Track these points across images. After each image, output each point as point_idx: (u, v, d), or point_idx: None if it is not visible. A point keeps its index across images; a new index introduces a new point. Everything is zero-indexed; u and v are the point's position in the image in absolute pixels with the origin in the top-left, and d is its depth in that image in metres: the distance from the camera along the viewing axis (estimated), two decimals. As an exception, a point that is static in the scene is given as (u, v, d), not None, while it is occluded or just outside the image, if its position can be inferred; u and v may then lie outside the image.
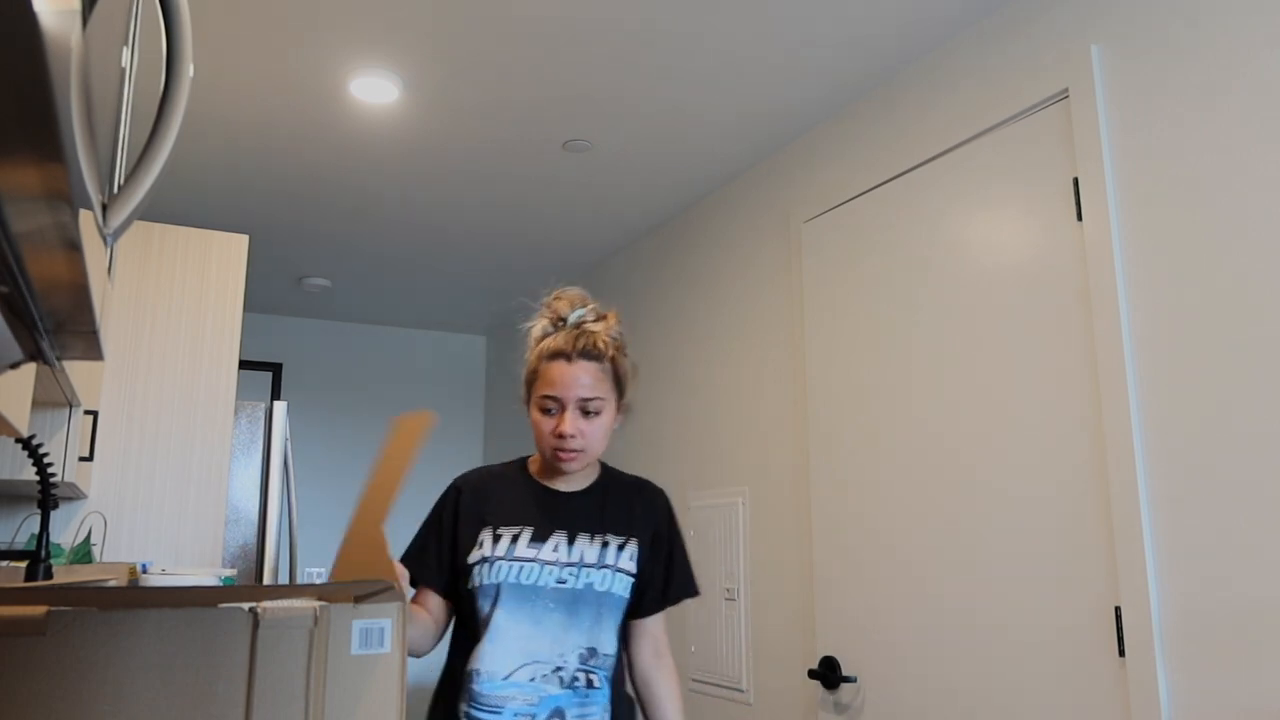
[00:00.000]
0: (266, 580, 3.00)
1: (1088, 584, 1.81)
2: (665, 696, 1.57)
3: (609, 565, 1.50)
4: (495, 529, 1.49)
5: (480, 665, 1.42)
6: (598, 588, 1.47)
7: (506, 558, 1.45)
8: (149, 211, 3.43)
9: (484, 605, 1.44)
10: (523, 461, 1.60)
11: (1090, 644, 1.79)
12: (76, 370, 2.35)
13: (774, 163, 2.93)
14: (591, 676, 1.46)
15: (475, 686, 1.42)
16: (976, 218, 2.17)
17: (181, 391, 2.82)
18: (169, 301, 2.87)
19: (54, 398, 2.37)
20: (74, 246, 0.54)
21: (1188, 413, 1.67)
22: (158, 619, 0.88)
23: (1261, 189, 1.58)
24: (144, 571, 2.46)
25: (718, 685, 2.92)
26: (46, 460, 1.92)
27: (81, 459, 2.61)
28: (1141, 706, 1.67)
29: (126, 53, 0.70)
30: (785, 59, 2.39)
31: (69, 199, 0.47)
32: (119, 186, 0.67)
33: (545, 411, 1.48)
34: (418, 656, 1.47)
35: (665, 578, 1.58)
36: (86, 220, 0.55)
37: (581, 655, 1.45)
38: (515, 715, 1.41)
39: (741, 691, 2.80)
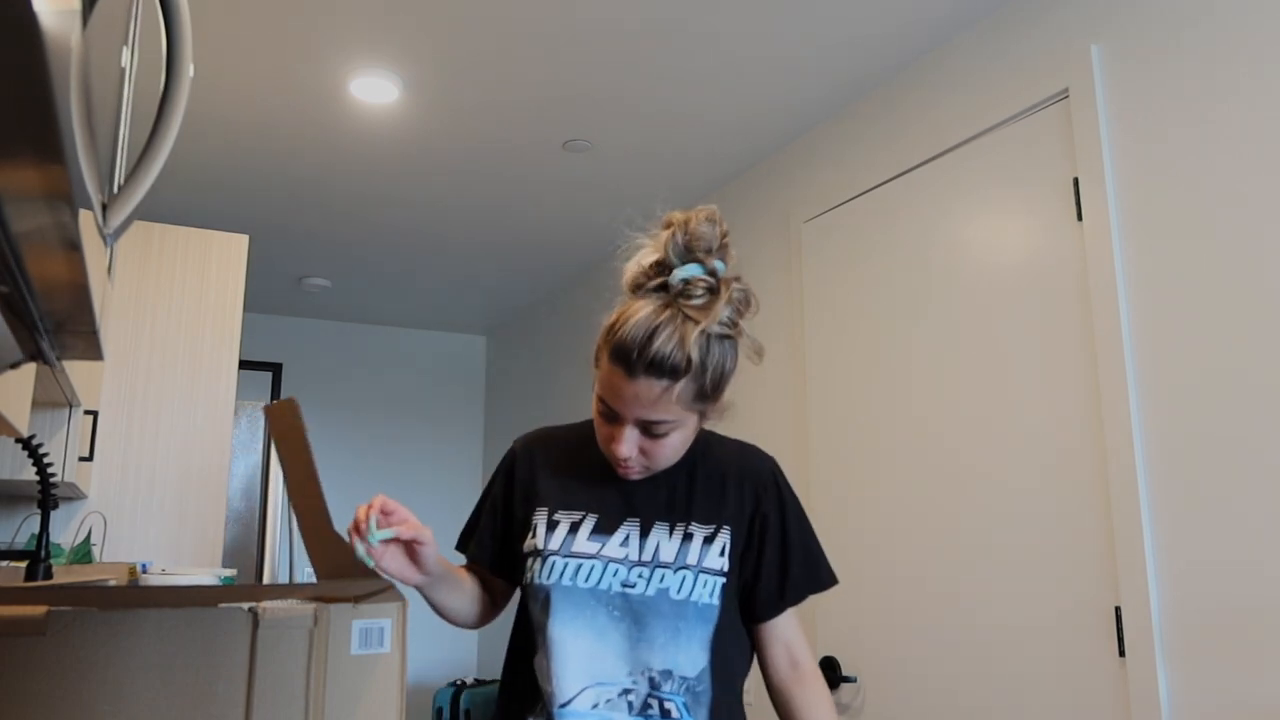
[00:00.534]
0: (266, 580, 3.00)
1: (1088, 584, 1.81)
2: (808, 717, 1.21)
3: (689, 565, 1.18)
4: (551, 513, 1.22)
5: (542, 684, 1.17)
6: (674, 595, 1.16)
7: (562, 553, 1.18)
8: (149, 211, 3.43)
9: (535, 610, 1.19)
10: (587, 428, 1.32)
11: (1090, 644, 1.79)
12: (76, 370, 2.35)
13: (774, 163, 2.93)
14: (668, 706, 1.15)
15: (548, 708, 1.16)
16: (976, 218, 2.17)
17: (181, 391, 2.82)
18: (169, 301, 2.87)
19: (54, 398, 2.37)
20: (74, 246, 0.54)
21: (1187, 413, 1.67)
22: (158, 619, 0.88)
23: (1261, 189, 1.58)
24: (144, 571, 2.46)
25: (718, 685, 2.92)
26: (46, 460, 1.92)
27: (81, 459, 2.61)
28: (1141, 706, 1.67)
29: (126, 53, 0.70)
30: (785, 59, 2.39)
31: (69, 199, 0.47)
32: (119, 186, 0.67)
33: (602, 414, 1.17)
34: (460, 626, 1.29)
35: (781, 569, 1.23)
36: (86, 220, 0.55)
37: (653, 679, 1.15)
38: None
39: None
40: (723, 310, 1.11)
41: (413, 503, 5.06)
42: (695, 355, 1.08)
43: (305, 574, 4.27)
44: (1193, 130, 1.70)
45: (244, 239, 3.00)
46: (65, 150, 0.41)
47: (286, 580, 3.63)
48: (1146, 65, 1.80)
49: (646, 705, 1.15)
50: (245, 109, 2.66)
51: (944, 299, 2.22)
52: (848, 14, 2.19)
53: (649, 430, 1.14)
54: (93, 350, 0.88)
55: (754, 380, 2.90)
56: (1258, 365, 1.56)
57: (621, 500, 1.22)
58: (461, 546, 1.33)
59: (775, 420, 2.78)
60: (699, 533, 1.20)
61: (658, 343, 1.07)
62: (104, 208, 0.65)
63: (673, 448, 1.16)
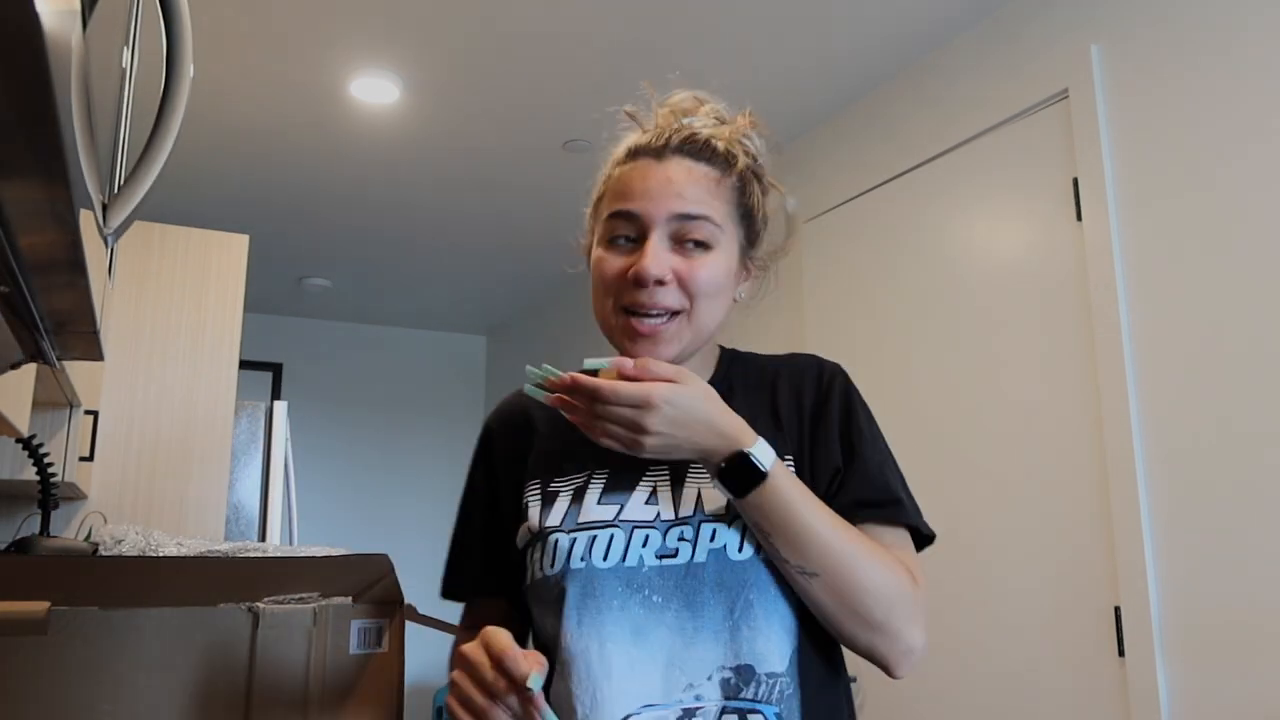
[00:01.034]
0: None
1: (1087, 584, 1.81)
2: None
3: None
4: (545, 485, 0.89)
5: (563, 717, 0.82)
6: (734, 554, 0.83)
7: (565, 527, 0.85)
8: (149, 211, 3.43)
9: (544, 619, 0.87)
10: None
11: (1090, 644, 1.79)
12: (77, 370, 2.35)
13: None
14: (751, 719, 0.81)
15: None
16: (976, 218, 2.17)
17: (182, 391, 2.82)
18: (169, 301, 2.87)
19: (54, 398, 2.36)
20: (74, 246, 0.54)
21: (1187, 412, 1.66)
22: (158, 618, 0.88)
23: (1261, 189, 1.58)
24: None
25: (718, 685, 2.92)
26: (47, 460, 1.92)
27: (82, 459, 2.61)
28: (1141, 706, 1.67)
29: (126, 53, 0.70)
30: (785, 59, 2.39)
31: (69, 199, 0.47)
32: (119, 186, 0.68)
33: (612, 243, 0.87)
34: None
35: (852, 482, 0.92)
36: (87, 220, 0.56)
37: (727, 682, 0.81)
38: None
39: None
40: (749, 131, 0.95)
41: (412, 504, 5.05)
42: (738, 153, 0.90)
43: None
44: (1192, 130, 1.70)
45: (244, 239, 3.00)
46: (65, 150, 0.41)
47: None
48: (1146, 65, 1.80)
49: None
50: (246, 109, 2.66)
51: (944, 299, 2.22)
52: (848, 14, 2.18)
53: (686, 236, 0.85)
54: (93, 350, 0.88)
55: (754, 380, 2.91)
56: (1258, 365, 1.56)
57: None
58: (457, 587, 0.97)
59: (775, 420, 2.78)
60: None
61: (687, 133, 0.89)
62: (104, 208, 0.65)
63: (713, 275, 0.85)
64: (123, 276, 2.83)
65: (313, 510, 4.86)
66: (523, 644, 0.78)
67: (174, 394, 2.81)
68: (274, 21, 2.22)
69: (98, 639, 0.86)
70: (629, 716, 0.79)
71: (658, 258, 0.83)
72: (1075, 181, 1.92)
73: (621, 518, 0.85)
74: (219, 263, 2.95)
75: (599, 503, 0.86)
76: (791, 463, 0.90)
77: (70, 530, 2.70)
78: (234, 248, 2.97)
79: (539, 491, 0.90)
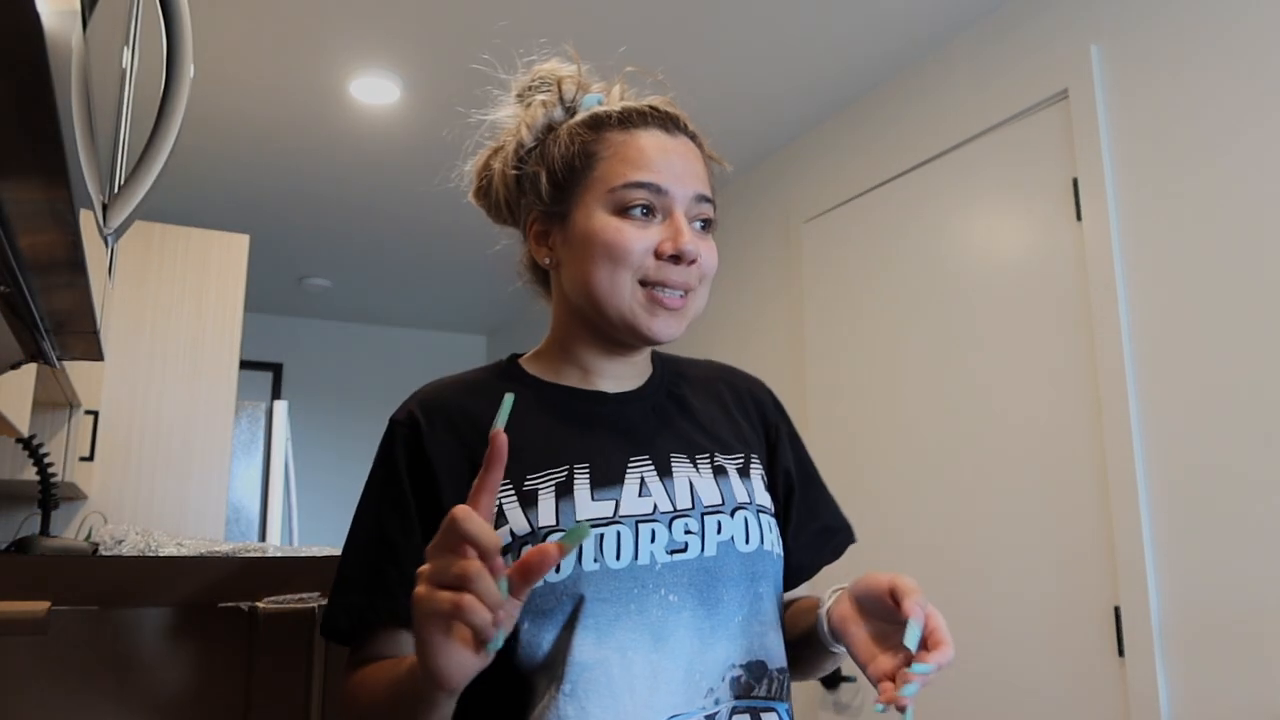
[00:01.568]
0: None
1: (1087, 584, 1.81)
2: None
3: (745, 504, 0.83)
4: (520, 481, 0.79)
5: None
6: (742, 546, 0.80)
7: (565, 528, 0.77)
8: (150, 211, 3.43)
9: (540, 630, 0.75)
10: (509, 365, 0.93)
11: (1090, 644, 1.79)
12: (77, 370, 2.35)
13: (774, 163, 2.93)
14: (765, 717, 0.79)
15: None
16: (976, 218, 2.17)
17: (182, 391, 2.82)
18: (169, 301, 2.87)
19: (55, 398, 2.37)
20: (75, 246, 0.54)
21: (1187, 412, 1.67)
22: (158, 618, 0.88)
23: (1261, 189, 1.58)
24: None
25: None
26: (47, 460, 1.92)
27: (82, 459, 2.61)
28: (1141, 706, 1.67)
29: (127, 53, 0.70)
30: (785, 60, 2.39)
31: (69, 199, 0.47)
32: (119, 186, 0.68)
33: (629, 214, 0.81)
34: None
35: (814, 507, 0.94)
36: (87, 220, 0.56)
37: (738, 681, 0.78)
38: None
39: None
40: None
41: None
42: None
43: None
44: (1192, 131, 1.70)
45: (245, 239, 3.00)
46: (66, 150, 0.41)
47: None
48: (1146, 65, 1.80)
49: None
50: (247, 109, 2.66)
51: (944, 299, 2.22)
52: (848, 14, 2.19)
53: (695, 219, 0.84)
54: (93, 350, 0.88)
55: (754, 380, 2.90)
56: (1258, 365, 1.56)
57: (612, 434, 0.84)
58: (364, 621, 0.78)
59: (775, 420, 2.78)
60: (729, 465, 0.86)
61: (673, 110, 0.88)
62: (104, 208, 0.65)
63: (715, 257, 0.86)
64: (123, 276, 2.83)
65: (313, 510, 4.87)
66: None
67: (174, 394, 2.81)
68: (274, 21, 2.22)
69: (98, 639, 0.86)
70: None
71: (692, 235, 0.81)
72: (1075, 181, 1.92)
73: (621, 514, 0.77)
74: (219, 263, 2.95)
75: (593, 499, 0.78)
76: (761, 465, 0.90)
77: (70, 530, 2.70)
78: (234, 248, 2.97)
79: (513, 491, 0.78)
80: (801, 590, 0.95)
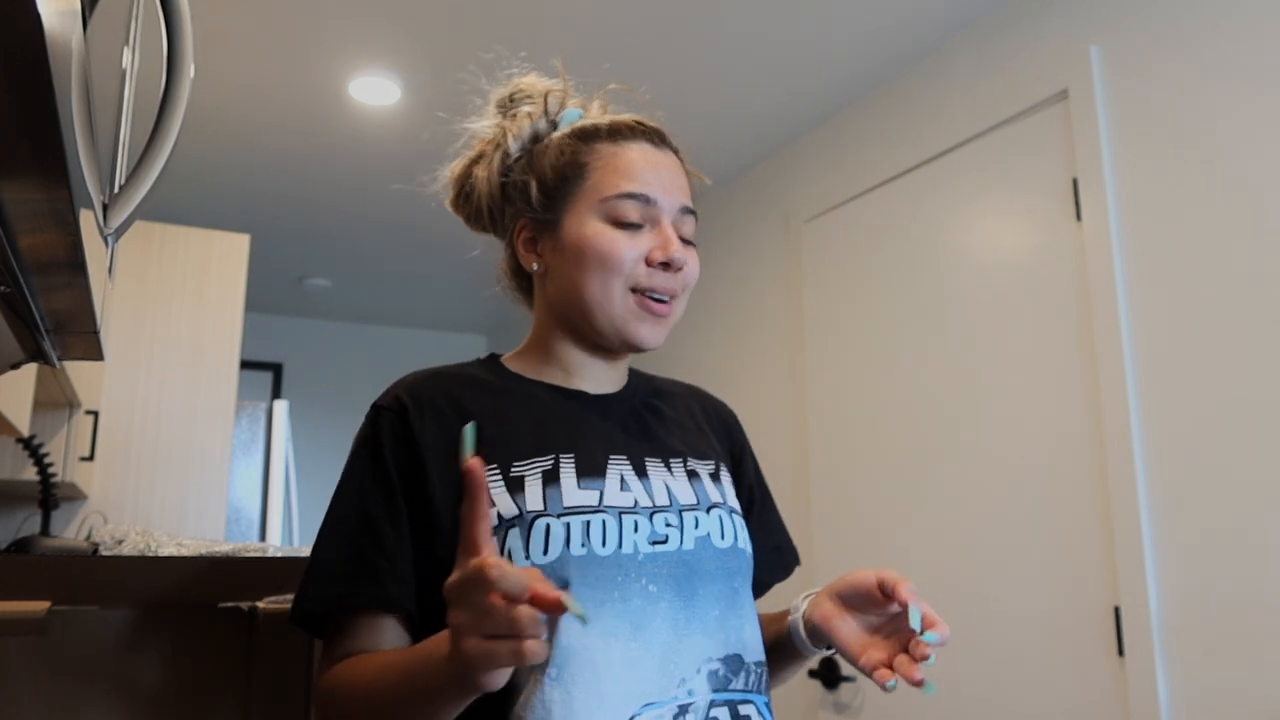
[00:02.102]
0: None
1: (1087, 584, 1.81)
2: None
3: (719, 503, 0.87)
4: (506, 467, 0.80)
5: None
6: (718, 542, 0.83)
7: (552, 511, 0.78)
8: (150, 211, 3.43)
9: None
10: (491, 361, 0.95)
11: (1090, 644, 1.79)
12: (77, 370, 2.35)
13: (774, 163, 2.93)
14: (745, 712, 0.81)
15: None
16: (976, 218, 2.17)
17: (182, 391, 2.82)
18: (170, 301, 2.87)
19: (55, 398, 2.37)
20: (74, 246, 0.54)
21: (1187, 412, 1.67)
22: (158, 618, 0.88)
23: (1261, 189, 1.58)
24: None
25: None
26: (47, 460, 1.92)
27: (82, 459, 2.61)
28: (1141, 706, 1.68)
29: (127, 53, 0.70)
30: (785, 60, 2.39)
31: (69, 199, 0.47)
32: (120, 186, 0.68)
33: (621, 224, 0.85)
34: None
35: (768, 526, 0.99)
36: (87, 220, 0.56)
37: (715, 674, 0.79)
38: None
39: (742, 691, 2.80)
40: None
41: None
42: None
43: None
44: (1192, 130, 1.70)
45: (245, 239, 3.00)
46: (66, 150, 0.41)
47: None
48: (1146, 66, 1.80)
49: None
50: (248, 109, 2.66)
51: (944, 299, 2.22)
52: (847, 14, 2.19)
53: (679, 231, 0.88)
54: (93, 350, 0.88)
55: (753, 378, 2.91)
56: (1257, 364, 1.56)
57: (592, 432, 0.86)
58: (343, 608, 0.77)
59: (774, 419, 2.78)
60: (702, 469, 0.89)
61: (654, 124, 0.92)
62: (105, 208, 0.65)
63: (697, 267, 0.90)
64: (123, 276, 2.83)
65: (313, 510, 4.86)
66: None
67: (174, 394, 2.81)
68: (275, 21, 2.22)
69: (98, 639, 0.86)
70: (633, 717, 0.75)
71: (679, 245, 0.86)
72: (1075, 182, 1.92)
73: (605, 503, 0.80)
74: (219, 262, 2.95)
75: (579, 487, 0.80)
76: (729, 475, 0.94)
77: (70, 530, 2.71)
78: (234, 247, 2.98)
79: (500, 476, 0.80)
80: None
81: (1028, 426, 1.97)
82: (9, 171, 0.43)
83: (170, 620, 0.90)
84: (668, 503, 0.83)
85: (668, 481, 0.85)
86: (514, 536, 0.77)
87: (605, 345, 0.88)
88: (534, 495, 0.79)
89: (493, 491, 0.78)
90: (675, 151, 0.92)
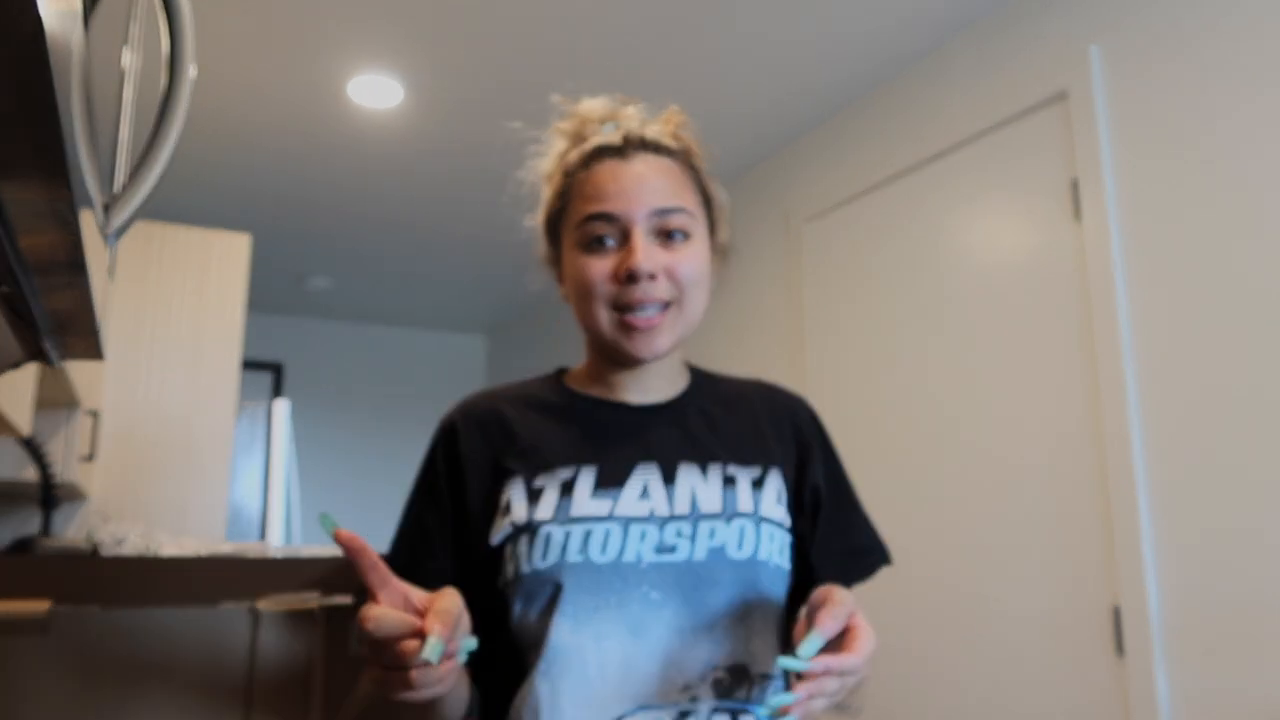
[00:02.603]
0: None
1: (1086, 583, 1.81)
2: None
3: (745, 513, 0.85)
4: (531, 479, 0.85)
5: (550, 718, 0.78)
6: (733, 553, 0.83)
7: (558, 520, 0.82)
8: (150, 211, 3.43)
9: (528, 612, 0.81)
10: (556, 375, 0.98)
11: (1089, 643, 1.79)
12: (78, 370, 2.35)
13: (774, 162, 2.93)
14: None
15: None
16: (976, 218, 2.17)
17: (183, 391, 2.82)
18: (170, 301, 2.87)
19: (55, 398, 2.37)
20: (75, 247, 0.54)
21: (1186, 411, 1.67)
22: (158, 618, 0.88)
23: (1260, 189, 1.58)
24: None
25: (718, 685, 2.92)
26: (47, 460, 1.92)
27: (82, 459, 2.61)
28: (1140, 705, 1.68)
29: (128, 53, 0.70)
30: (785, 60, 2.39)
31: (70, 199, 0.47)
32: (121, 186, 0.68)
33: (591, 247, 0.86)
34: None
35: (845, 525, 0.97)
36: (88, 220, 0.56)
37: (720, 683, 0.80)
38: None
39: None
40: (683, 123, 0.98)
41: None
42: (685, 144, 0.94)
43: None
44: (1192, 130, 1.70)
45: (246, 239, 3.00)
46: (66, 150, 0.41)
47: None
48: (1145, 66, 1.80)
49: None
50: (249, 109, 2.66)
51: (943, 299, 2.22)
52: (847, 15, 2.19)
53: (666, 232, 0.86)
54: (94, 350, 0.88)
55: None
56: (1256, 364, 1.56)
57: (625, 442, 0.88)
58: (407, 573, 0.79)
59: (775, 420, 2.78)
60: (743, 475, 0.88)
61: (639, 133, 0.91)
62: (105, 208, 0.65)
63: (698, 265, 0.88)
64: (123, 276, 2.83)
65: (313, 510, 4.86)
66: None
67: (174, 394, 2.81)
68: (276, 21, 2.22)
69: (98, 639, 0.86)
70: (622, 717, 0.77)
71: (647, 253, 0.84)
72: (1074, 182, 1.92)
73: (616, 512, 0.83)
74: (219, 262, 2.95)
75: (591, 497, 0.84)
76: (781, 479, 0.92)
77: (70, 530, 2.70)
78: (235, 247, 2.98)
79: (523, 487, 0.85)
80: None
81: (1028, 426, 1.97)
82: (9, 171, 0.43)
83: (170, 620, 0.90)
84: (687, 511, 0.84)
85: (696, 488, 0.86)
86: (522, 543, 0.82)
87: (618, 361, 0.91)
88: (547, 505, 0.83)
89: (514, 502, 0.85)
90: (659, 149, 0.90)
